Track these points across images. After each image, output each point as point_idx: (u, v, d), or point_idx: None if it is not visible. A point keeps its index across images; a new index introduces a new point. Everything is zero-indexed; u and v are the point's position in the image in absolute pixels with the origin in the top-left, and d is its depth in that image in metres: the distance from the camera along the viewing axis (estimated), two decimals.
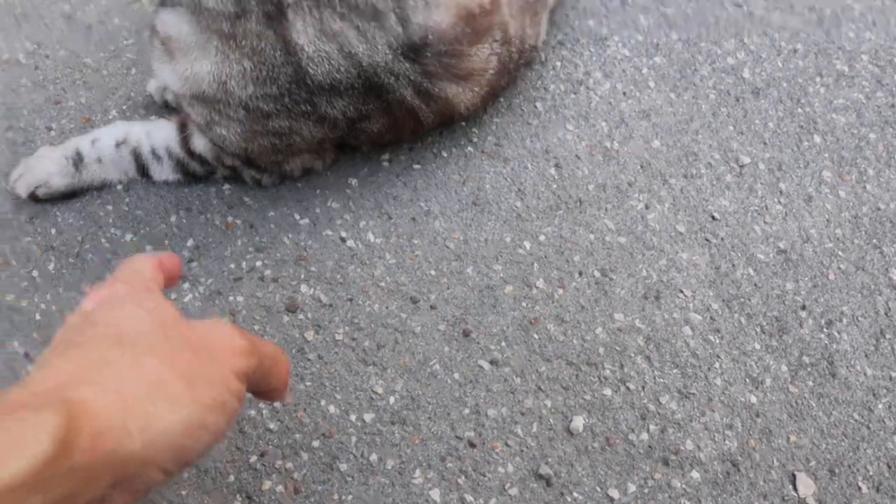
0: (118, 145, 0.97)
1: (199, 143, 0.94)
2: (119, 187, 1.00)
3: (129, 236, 0.95)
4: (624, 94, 1.03)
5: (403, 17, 0.85)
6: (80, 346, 0.45)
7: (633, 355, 0.85)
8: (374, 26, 0.83)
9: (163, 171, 0.98)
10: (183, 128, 0.95)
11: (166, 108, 1.06)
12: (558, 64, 1.07)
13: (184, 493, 0.76)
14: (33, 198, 0.98)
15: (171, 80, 0.86)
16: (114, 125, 0.99)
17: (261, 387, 0.55)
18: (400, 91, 0.88)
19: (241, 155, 0.93)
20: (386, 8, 0.83)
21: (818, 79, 1.07)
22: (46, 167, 0.97)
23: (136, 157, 0.97)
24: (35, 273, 0.93)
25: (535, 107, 1.03)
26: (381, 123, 0.91)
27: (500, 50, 0.94)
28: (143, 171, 0.98)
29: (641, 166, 0.97)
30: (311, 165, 0.97)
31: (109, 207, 0.98)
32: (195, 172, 0.97)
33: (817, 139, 1.01)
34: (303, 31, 0.80)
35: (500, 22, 0.93)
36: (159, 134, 0.96)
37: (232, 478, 0.77)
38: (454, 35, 0.88)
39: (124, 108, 1.08)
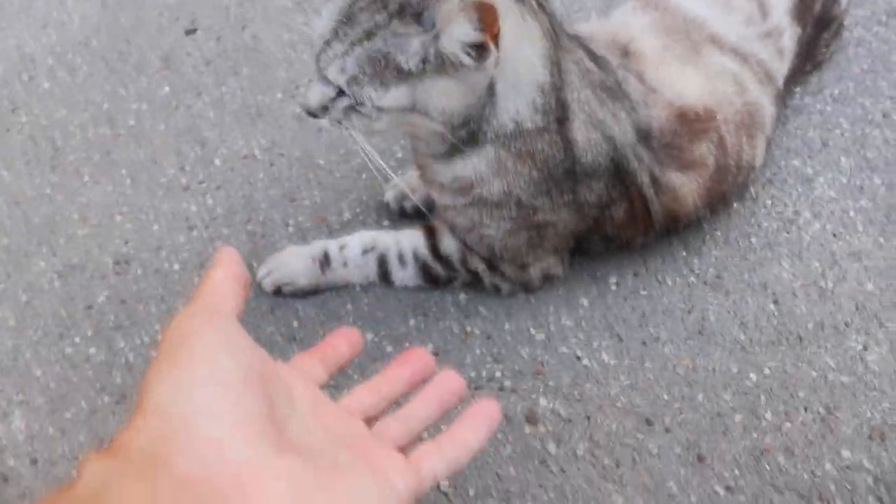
0: (365, 252, 1.05)
1: (449, 246, 1.02)
2: (357, 288, 1.08)
3: (369, 335, 1.02)
4: (834, 235, 1.09)
5: (632, 107, 0.96)
6: None
7: (863, 494, 0.89)
8: (619, 107, 0.94)
9: (405, 276, 1.06)
10: (430, 234, 1.04)
11: (401, 215, 1.14)
12: (769, 202, 1.13)
13: None
14: (276, 292, 1.07)
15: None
16: (360, 233, 1.07)
17: None
18: (640, 177, 0.96)
19: (489, 258, 1.01)
20: (623, 93, 0.95)
21: None
22: (294, 267, 1.06)
23: (381, 262, 1.05)
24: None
25: (751, 242, 1.09)
26: (622, 209, 0.98)
27: (717, 153, 1.00)
28: (384, 275, 1.06)
29: (856, 307, 1.03)
30: (551, 272, 1.04)
31: (349, 306, 1.06)
32: (437, 277, 1.05)
33: None
34: (578, 127, 0.90)
35: (715, 129, 1.00)
36: (407, 240, 1.05)
37: None
38: (672, 129, 0.97)
39: (357, 210, 1.17)
